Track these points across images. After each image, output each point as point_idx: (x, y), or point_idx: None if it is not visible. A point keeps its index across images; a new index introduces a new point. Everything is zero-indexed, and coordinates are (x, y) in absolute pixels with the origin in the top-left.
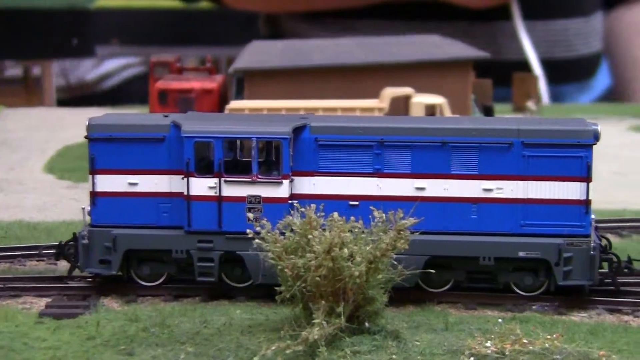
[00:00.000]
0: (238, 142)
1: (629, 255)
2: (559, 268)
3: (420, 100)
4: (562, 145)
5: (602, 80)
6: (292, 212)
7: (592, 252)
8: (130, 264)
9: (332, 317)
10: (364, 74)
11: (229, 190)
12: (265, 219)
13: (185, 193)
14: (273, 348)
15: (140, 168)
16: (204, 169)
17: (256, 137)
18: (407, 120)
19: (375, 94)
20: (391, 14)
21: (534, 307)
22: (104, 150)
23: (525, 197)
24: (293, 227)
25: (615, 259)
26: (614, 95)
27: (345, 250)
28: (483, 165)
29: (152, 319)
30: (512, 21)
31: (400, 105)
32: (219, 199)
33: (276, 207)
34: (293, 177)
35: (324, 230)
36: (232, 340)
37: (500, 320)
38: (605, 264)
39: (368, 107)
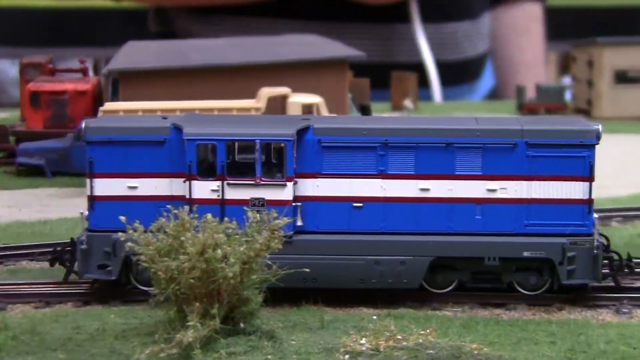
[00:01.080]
0: (241, 144)
1: (628, 253)
2: (562, 267)
3: (297, 100)
4: (565, 145)
5: (486, 80)
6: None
7: (595, 251)
8: (130, 269)
9: (207, 318)
10: (241, 74)
11: (232, 193)
12: (138, 221)
13: (188, 196)
14: (147, 352)
15: (140, 171)
16: (207, 171)
17: (260, 139)
18: (412, 121)
19: (252, 94)
20: (287, 12)
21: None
22: (103, 153)
23: (529, 197)
24: (166, 229)
25: (616, 257)
26: (497, 94)
27: (219, 251)
28: (487, 165)
29: (22, 326)
30: (411, 23)
31: (277, 105)
32: (222, 202)
33: (280, 210)
34: (297, 179)
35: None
36: (106, 345)
37: (375, 317)
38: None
39: (244, 108)
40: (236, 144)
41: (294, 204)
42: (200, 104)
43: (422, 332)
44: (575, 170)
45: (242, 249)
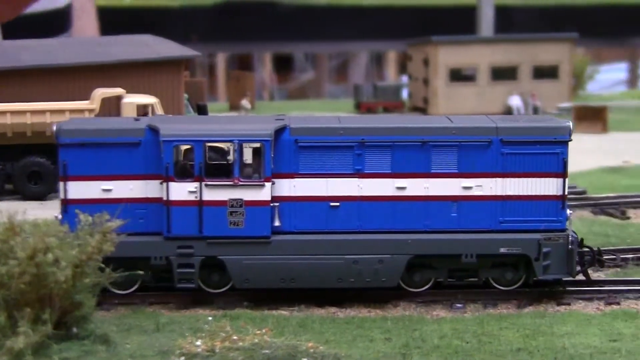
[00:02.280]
0: (219, 144)
1: (598, 247)
2: (538, 263)
3: (132, 100)
4: (539, 142)
5: None
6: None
7: (570, 246)
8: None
9: (38, 324)
10: (74, 74)
11: (210, 195)
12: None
13: (165, 198)
14: None
15: (115, 173)
16: (184, 173)
17: (238, 140)
18: (388, 120)
19: (87, 95)
20: None
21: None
22: (76, 156)
23: (503, 194)
24: None
25: (588, 252)
26: None
27: (50, 255)
28: (463, 163)
29: None
30: None
31: (112, 106)
32: (200, 204)
33: (258, 210)
34: (274, 180)
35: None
36: None
37: (210, 318)
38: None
39: (78, 109)
40: (214, 144)
41: (271, 204)
42: (31, 106)
43: (258, 332)
44: (549, 167)
45: (74, 252)
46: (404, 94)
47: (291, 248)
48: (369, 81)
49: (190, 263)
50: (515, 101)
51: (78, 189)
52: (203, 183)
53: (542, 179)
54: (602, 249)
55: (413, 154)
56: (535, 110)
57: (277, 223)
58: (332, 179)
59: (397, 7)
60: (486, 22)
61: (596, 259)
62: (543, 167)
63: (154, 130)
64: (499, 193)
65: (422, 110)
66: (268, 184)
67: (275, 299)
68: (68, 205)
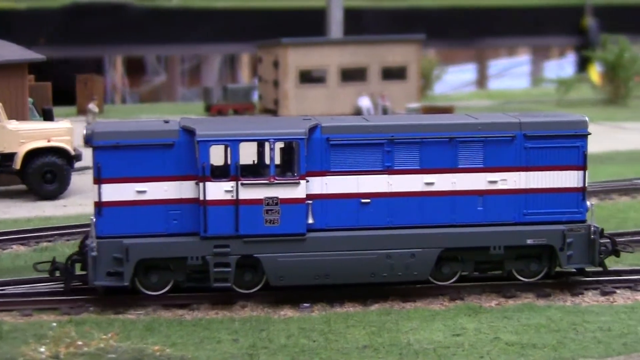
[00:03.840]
0: (254, 144)
1: (614, 238)
2: (563, 253)
3: None
4: (560, 136)
5: None
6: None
7: (592, 236)
8: (136, 274)
9: None
10: None
11: (246, 193)
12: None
13: (201, 198)
14: None
15: (149, 175)
16: (220, 172)
17: (274, 139)
18: (416, 117)
19: None
20: None
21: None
22: (111, 158)
23: (527, 187)
24: None
25: (608, 242)
26: None
27: None
28: (488, 158)
29: None
30: None
31: None
32: (236, 203)
33: (294, 208)
34: (308, 178)
35: None
36: None
37: (54, 324)
38: None
39: None
40: (250, 144)
41: (306, 202)
42: None
43: (104, 336)
44: (570, 160)
45: None
46: (255, 96)
47: (325, 244)
48: (222, 84)
49: (226, 262)
50: (364, 102)
51: (112, 191)
52: (239, 182)
53: (564, 171)
54: None
55: (441, 150)
56: (385, 111)
57: (310, 220)
58: (362, 176)
59: (249, 9)
60: (335, 24)
61: (613, 249)
62: (564, 160)
63: (188, 132)
64: (522, 186)
65: (273, 112)
66: (303, 182)
67: (122, 303)
68: (102, 208)
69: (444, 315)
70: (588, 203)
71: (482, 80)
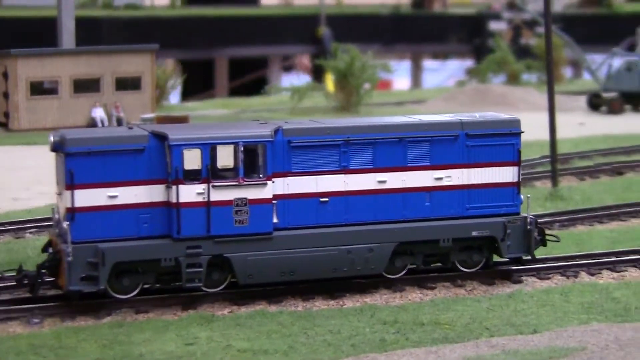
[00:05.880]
0: (224, 147)
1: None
2: (504, 243)
3: None
4: (497, 134)
5: None
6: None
7: (528, 227)
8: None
9: None
10: None
11: (217, 195)
12: None
13: (174, 201)
14: None
15: (121, 180)
16: (192, 175)
17: (243, 142)
18: (369, 119)
19: None
20: None
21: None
22: (83, 165)
23: (469, 183)
24: None
25: (539, 233)
26: None
27: None
28: (434, 156)
29: None
30: None
31: None
32: (208, 204)
33: (261, 208)
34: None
35: None
36: None
37: None
38: None
39: None
40: (220, 147)
41: (273, 202)
42: None
43: None
44: (506, 157)
45: None
46: None
47: (291, 243)
48: None
49: (198, 263)
50: (98, 113)
51: (85, 197)
52: (210, 184)
53: (501, 167)
54: None
55: (392, 150)
56: (119, 122)
57: (275, 220)
58: (321, 176)
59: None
60: (67, 34)
61: (540, 240)
62: (501, 157)
63: (158, 136)
64: (464, 182)
65: (3, 125)
66: (270, 183)
67: None
68: (75, 214)
69: (177, 325)
70: (522, 196)
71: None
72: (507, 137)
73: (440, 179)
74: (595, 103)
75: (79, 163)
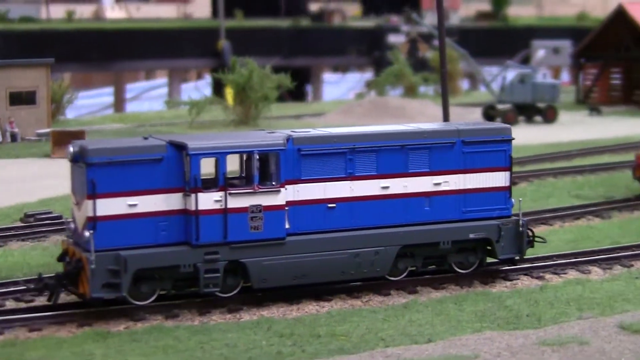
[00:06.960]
0: (240, 155)
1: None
2: (499, 245)
3: None
4: (491, 141)
5: None
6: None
7: (520, 229)
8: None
9: None
10: None
11: (233, 202)
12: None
13: (193, 208)
14: None
15: (140, 189)
16: (210, 183)
17: (258, 150)
18: (373, 127)
19: None
20: None
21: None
22: (104, 174)
23: (465, 187)
24: None
25: (530, 235)
26: None
27: None
28: (433, 163)
29: None
30: None
31: None
32: (225, 211)
33: (275, 214)
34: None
35: None
36: None
37: None
38: None
39: None
40: (236, 155)
41: (286, 208)
42: None
43: None
44: (499, 162)
45: None
46: None
47: (302, 247)
48: None
49: (215, 268)
50: None
51: (106, 206)
52: (227, 192)
53: (494, 172)
54: None
55: (394, 157)
56: (14, 137)
57: (287, 225)
58: (328, 183)
59: None
60: None
61: (531, 239)
62: (494, 163)
63: (175, 146)
64: (462, 187)
65: None
66: (283, 190)
67: None
68: (97, 222)
69: (71, 343)
70: (513, 200)
71: (119, 103)
72: (500, 143)
73: (439, 184)
74: (490, 115)
75: (100, 173)
